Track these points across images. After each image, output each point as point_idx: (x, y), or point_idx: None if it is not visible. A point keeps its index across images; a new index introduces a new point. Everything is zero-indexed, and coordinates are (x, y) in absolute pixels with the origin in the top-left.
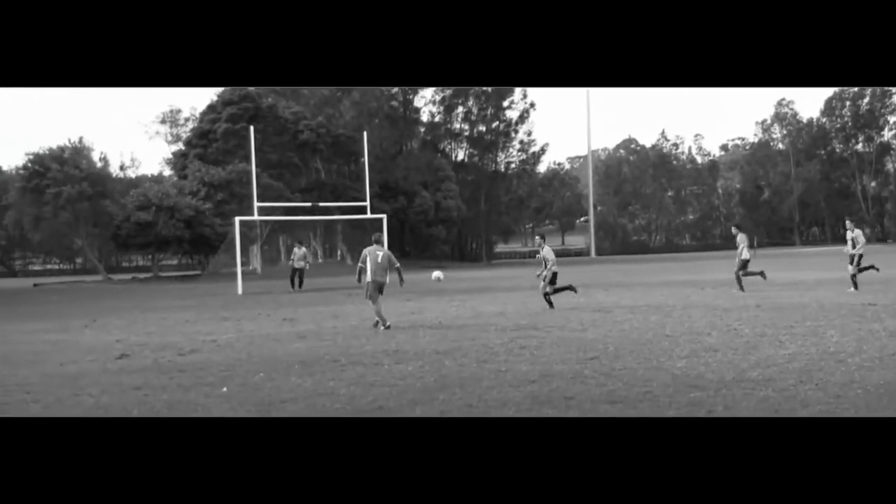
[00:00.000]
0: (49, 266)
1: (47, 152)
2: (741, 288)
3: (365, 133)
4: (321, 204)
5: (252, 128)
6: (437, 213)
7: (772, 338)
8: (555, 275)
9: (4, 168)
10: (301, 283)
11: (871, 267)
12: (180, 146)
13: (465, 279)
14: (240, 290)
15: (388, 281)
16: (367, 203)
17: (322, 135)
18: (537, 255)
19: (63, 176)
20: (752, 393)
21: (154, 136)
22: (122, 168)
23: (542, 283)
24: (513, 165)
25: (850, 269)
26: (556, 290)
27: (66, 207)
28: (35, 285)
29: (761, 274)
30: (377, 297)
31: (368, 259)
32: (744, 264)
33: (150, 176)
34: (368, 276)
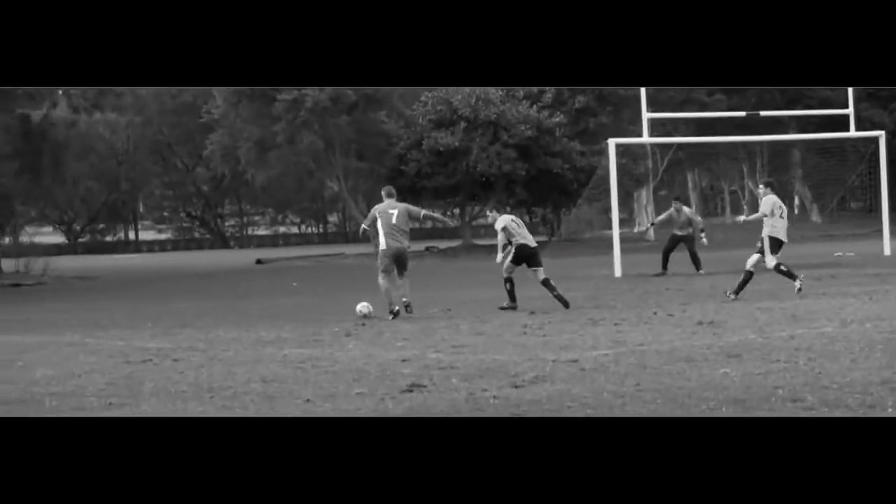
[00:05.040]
0: (281, 228)
1: None
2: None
3: None
4: (763, 113)
5: None
6: None
7: None
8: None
9: None
10: (695, 262)
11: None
12: None
13: None
14: (618, 271)
15: (408, 246)
16: (850, 110)
17: None
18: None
19: None
20: None
21: None
22: None
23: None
24: None
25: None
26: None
27: (309, 125)
28: (258, 262)
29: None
30: (391, 270)
31: (379, 220)
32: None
33: None
34: (382, 243)
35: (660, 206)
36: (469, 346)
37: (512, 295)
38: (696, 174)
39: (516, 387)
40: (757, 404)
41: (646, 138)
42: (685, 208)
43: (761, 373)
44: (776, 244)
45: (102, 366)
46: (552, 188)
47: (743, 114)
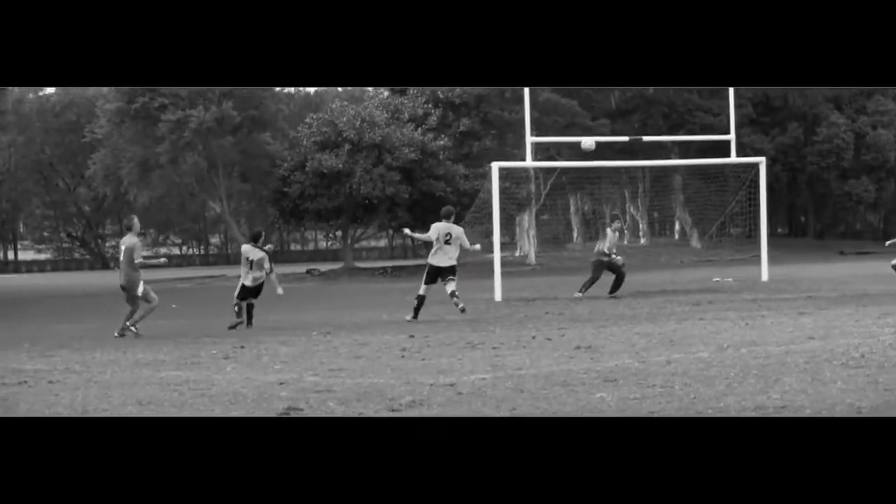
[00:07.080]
0: (162, 249)
1: None
2: None
3: None
4: (645, 138)
5: None
6: (860, 153)
7: None
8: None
9: None
10: (619, 284)
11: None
12: None
13: None
14: (498, 295)
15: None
16: (731, 136)
17: None
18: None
19: (190, 92)
20: None
21: None
22: None
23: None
24: None
25: None
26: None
27: (193, 146)
28: None
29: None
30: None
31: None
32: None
33: (340, 91)
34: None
35: (542, 231)
36: (347, 369)
37: None
38: (578, 198)
39: (393, 410)
40: None
41: (529, 162)
42: (618, 223)
43: (637, 398)
44: (433, 272)
45: None
46: (435, 211)
47: (626, 138)
